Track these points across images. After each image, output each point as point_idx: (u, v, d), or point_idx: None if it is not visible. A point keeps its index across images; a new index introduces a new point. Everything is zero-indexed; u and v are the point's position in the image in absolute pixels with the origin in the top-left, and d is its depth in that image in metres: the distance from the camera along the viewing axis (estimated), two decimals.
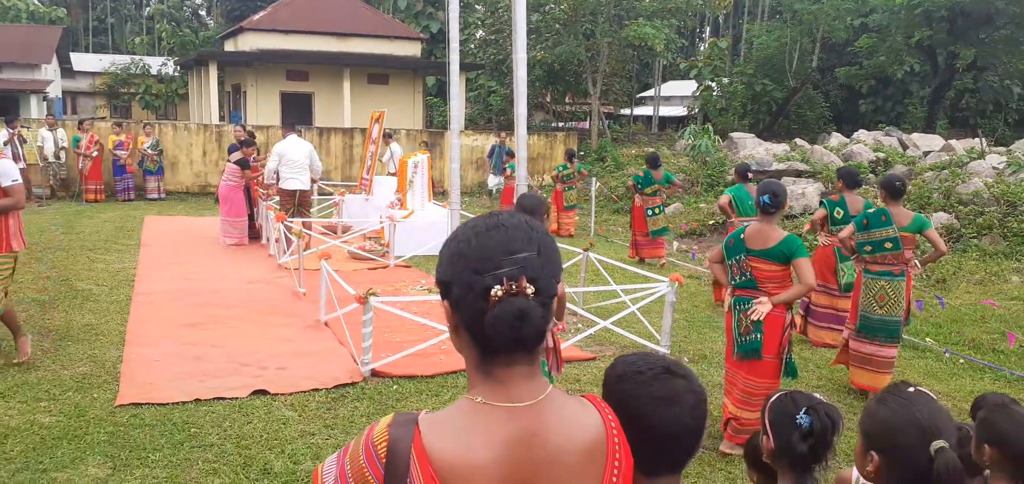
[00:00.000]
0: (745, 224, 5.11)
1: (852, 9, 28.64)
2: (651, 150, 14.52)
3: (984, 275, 9.94)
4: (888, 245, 5.98)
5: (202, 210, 16.45)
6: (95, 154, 17.13)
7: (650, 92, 42.84)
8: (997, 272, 10.00)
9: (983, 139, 19.66)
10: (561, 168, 14.89)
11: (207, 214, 15.52)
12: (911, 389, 1.95)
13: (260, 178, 12.64)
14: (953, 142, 19.12)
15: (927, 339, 7.66)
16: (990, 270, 10.08)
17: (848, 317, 6.40)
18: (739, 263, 4.87)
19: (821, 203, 7.42)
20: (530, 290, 1.25)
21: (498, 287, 1.24)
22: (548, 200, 14.83)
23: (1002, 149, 18.25)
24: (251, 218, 12.66)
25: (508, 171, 16.30)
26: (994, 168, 14.32)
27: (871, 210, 6.29)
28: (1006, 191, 12.04)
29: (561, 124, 33.91)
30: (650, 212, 11.78)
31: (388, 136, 17.32)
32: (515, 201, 4.60)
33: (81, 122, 18.00)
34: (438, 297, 1.37)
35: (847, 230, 6.26)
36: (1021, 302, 8.53)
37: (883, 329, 6.01)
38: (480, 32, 31.66)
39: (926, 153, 17.80)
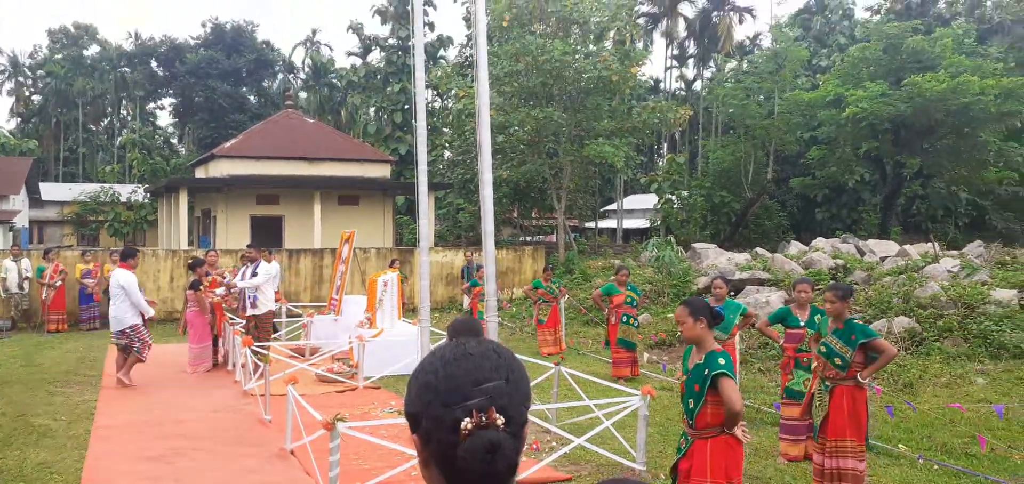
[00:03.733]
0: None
1: (801, 123, 29.98)
2: (618, 261, 14.66)
3: (949, 378, 10.08)
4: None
5: (168, 337, 16.13)
6: (58, 284, 16.88)
7: (613, 206, 43.80)
8: (961, 374, 10.15)
9: (936, 243, 20.29)
10: (538, 284, 14.70)
11: (173, 341, 15.22)
12: None
13: (229, 295, 12.49)
14: (907, 247, 19.70)
15: (900, 445, 7.68)
16: (955, 373, 10.23)
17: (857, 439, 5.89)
18: None
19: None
20: (500, 420, 1.24)
21: (468, 419, 1.23)
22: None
23: (954, 252, 18.83)
24: (215, 343, 12.45)
25: (469, 286, 16.29)
26: (949, 271, 14.73)
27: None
28: (962, 294, 12.36)
29: (529, 238, 34.36)
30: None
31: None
32: (450, 326, 4.31)
33: (47, 251, 17.82)
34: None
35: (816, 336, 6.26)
36: (987, 404, 8.63)
37: None
38: (447, 153, 32.38)
39: (883, 258, 18.28)
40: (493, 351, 1.33)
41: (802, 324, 7.40)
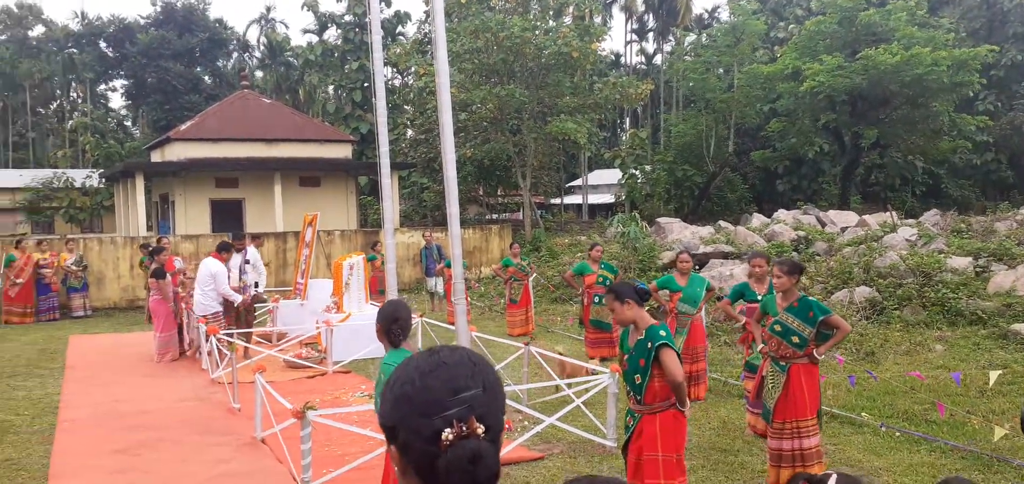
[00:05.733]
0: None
1: (760, 96, 30.30)
2: (585, 238, 14.69)
3: (909, 346, 10.33)
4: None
5: (131, 325, 15.83)
6: (21, 282, 16.45)
7: (578, 182, 43.88)
8: (921, 342, 10.42)
9: (894, 213, 20.76)
10: (508, 262, 14.44)
11: (136, 330, 14.95)
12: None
13: (185, 287, 12.40)
14: (867, 217, 20.13)
15: (862, 414, 7.87)
16: (914, 340, 10.49)
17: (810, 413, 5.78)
18: None
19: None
20: (480, 429, 1.23)
21: (448, 430, 1.22)
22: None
23: (912, 222, 19.30)
24: (180, 330, 12.25)
25: (442, 266, 16.22)
26: (907, 240, 15.10)
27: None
28: (920, 263, 12.67)
29: (495, 216, 34.32)
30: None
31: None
32: (380, 313, 4.26)
33: (18, 242, 17.32)
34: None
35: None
36: (946, 371, 8.88)
37: None
38: (410, 131, 32.09)
39: (843, 229, 18.65)
40: (468, 359, 1.32)
41: (760, 298, 7.45)
